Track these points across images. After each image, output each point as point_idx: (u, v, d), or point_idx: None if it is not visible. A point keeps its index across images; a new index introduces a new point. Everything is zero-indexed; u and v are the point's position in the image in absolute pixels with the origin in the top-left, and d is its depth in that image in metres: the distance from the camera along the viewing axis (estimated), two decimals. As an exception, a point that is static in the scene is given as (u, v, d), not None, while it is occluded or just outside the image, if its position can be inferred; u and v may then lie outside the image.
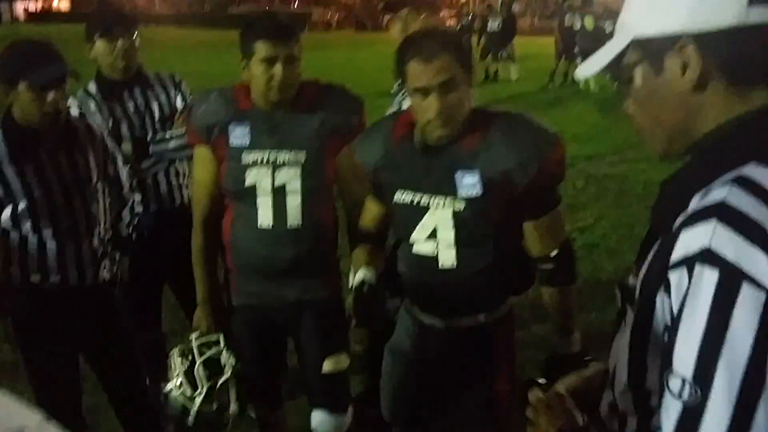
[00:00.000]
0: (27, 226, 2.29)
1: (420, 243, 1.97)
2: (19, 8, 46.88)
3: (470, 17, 17.74)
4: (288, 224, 2.20)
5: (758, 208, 0.81)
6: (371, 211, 2.16)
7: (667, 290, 0.86)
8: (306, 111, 2.18)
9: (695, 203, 0.88)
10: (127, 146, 2.75)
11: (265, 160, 2.16)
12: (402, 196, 1.97)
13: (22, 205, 2.25)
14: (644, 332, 0.93)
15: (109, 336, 2.52)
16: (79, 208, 2.37)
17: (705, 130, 0.94)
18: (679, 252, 0.85)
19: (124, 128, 2.78)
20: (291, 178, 2.17)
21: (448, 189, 1.89)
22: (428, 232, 1.94)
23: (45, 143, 2.29)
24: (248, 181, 2.18)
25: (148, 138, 2.80)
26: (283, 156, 2.16)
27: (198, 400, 2.27)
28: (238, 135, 2.16)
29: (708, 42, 0.90)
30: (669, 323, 0.87)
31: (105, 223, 2.49)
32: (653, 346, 0.92)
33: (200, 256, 2.37)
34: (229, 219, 2.28)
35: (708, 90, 0.92)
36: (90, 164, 2.40)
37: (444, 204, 1.90)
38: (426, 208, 1.93)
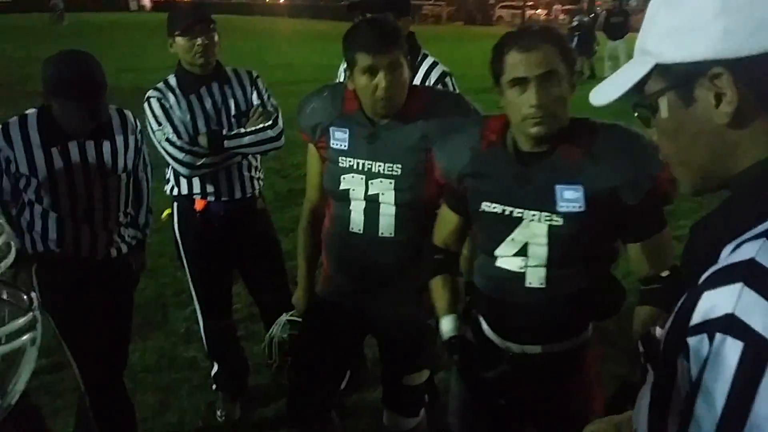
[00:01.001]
0: (47, 202, 2.44)
1: (506, 258, 1.83)
2: (146, -3, 49.47)
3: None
4: (379, 232, 2.15)
5: None
6: (449, 224, 2.02)
7: (686, 355, 0.76)
8: (411, 121, 2.08)
9: (725, 257, 0.77)
10: (203, 139, 2.83)
11: (359, 168, 2.12)
12: (491, 207, 1.82)
13: (44, 185, 2.41)
14: (664, 396, 0.82)
15: (112, 305, 2.66)
16: (99, 195, 2.50)
17: (741, 167, 0.83)
18: (699, 315, 0.74)
19: (201, 122, 2.86)
20: (384, 190, 2.11)
21: (546, 202, 1.74)
22: (518, 248, 1.80)
23: (74, 134, 2.43)
24: (343, 186, 2.15)
25: (224, 132, 2.86)
26: (378, 167, 2.10)
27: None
28: (338, 139, 2.14)
29: (744, 70, 0.79)
30: (688, 392, 0.77)
31: (123, 209, 2.61)
32: (673, 413, 0.82)
33: (305, 244, 2.41)
34: (328, 216, 2.28)
35: (745, 125, 0.81)
36: (116, 156, 2.52)
37: (539, 218, 1.75)
38: (518, 221, 1.78)
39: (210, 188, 2.92)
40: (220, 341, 3.22)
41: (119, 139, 2.53)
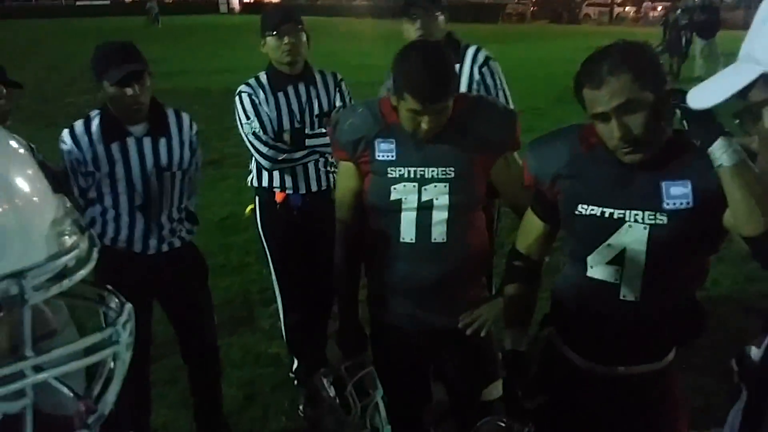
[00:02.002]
0: (108, 200, 2.58)
1: (599, 267, 1.74)
2: (236, 0, 50.93)
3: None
4: (432, 239, 2.11)
5: None
6: (534, 229, 1.95)
7: None
8: (454, 126, 2.05)
9: None
10: (286, 136, 2.95)
11: (411, 176, 2.09)
12: (587, 209, 1.74)
13: (105, 181, 2.55)
14: (758, 418, 0.76)
15: (178, 295, 2.80)
16: (155, 191, 2.61)
17: None
18: None
19: (286, 119, 2.97)
20: (438, 194, 2.08)
21: (650, 202, 1.67)
22: (613, 255, 1.72)
23: (133, 129, 2.57)
24: (393, 196, 2.11)
25: (306, 131, 2.97)
26: (431, 172, 2.08)
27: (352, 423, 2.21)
28: (384, 150, 2.10)
29: None
30: None
31: (178, 205, 2.71)
32: None
33: (344, 271, 2.30)
34: (372, 233, 2.21)
35: None
36: (172, 152, 2.64)
37: (642, 218, 1.68)
38: (615, 224, 1.70)
39: (289, 182, 3.06)
40: (299, 336, 3.27)
41: (175, 137, 2.65)
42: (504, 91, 3.04)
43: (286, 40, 2.89)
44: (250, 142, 2.95)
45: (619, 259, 1.71)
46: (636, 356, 1.79)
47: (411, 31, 2.90)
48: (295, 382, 3.35)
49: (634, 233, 1.69)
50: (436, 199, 2.08)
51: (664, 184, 1.65)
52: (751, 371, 0.81)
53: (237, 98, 2.98)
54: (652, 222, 1.67)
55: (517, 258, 1.99)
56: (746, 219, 1.50)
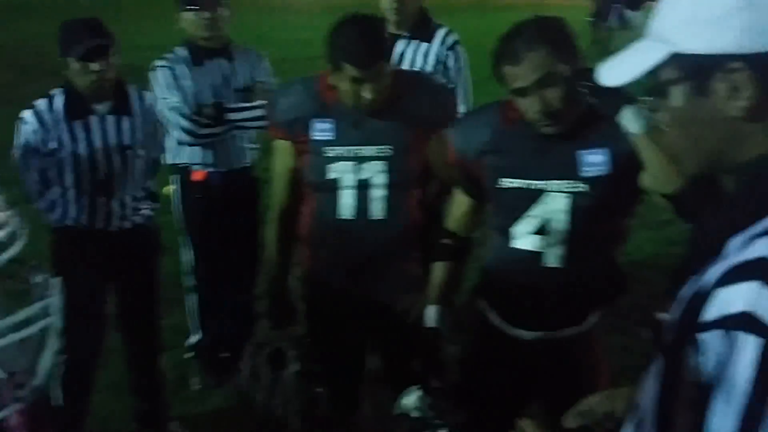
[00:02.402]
0: (70, 179, 2.54)
1: (523, 237, 1.81)
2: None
3: None
4: (369, 216, 2.13)
5: None
6: (461, 206, 2.01)
7: (699, 351, 0.76)
8: (392, 103, 2.07)
9: (733, 250, 0.76)
10: (207, 110, 2.89)
11: (349, 155, 2.10)
12: (510, 182, 1.81)
13: (67, 159, 2.51)
14: (673, 386, 0.80)
15: (133, 273, 2.77)
16: (118, 168, 2.59)
17: (748, 158, 0.81)
18: (714, 312, 0.74)
19: (206, 94, 2.92)
20: (375, 172, 2.11)
21: (569, 171, 1.74)
22: (537, 224, 1.79)
23: (96, 108, 2.54)
24: (331, 175, 2.12)
25: (227, 106, 2.92)
26: (368, 151, 2.10)
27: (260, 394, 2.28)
28: (322, 129, 2.10)
29: (764, 66, 0.77)
30: (704, 387, 0.76)
31: (141, 183, 2.69)
32: (683, 405, 0.81)
33: (276, 248, 2.33)
34: (308, 211, 2.23)
35: (759, 118, 0.80)
36: (135, 131, 2.61)
37: (561, 188, 1.75)
38: (537, 195, 1.78)
39: (209, 158, 3.02)
40: (213, 312, 3.27)
41: (138, 116, 2.60)
42: (465, 77, 3.06)
43: (206, 14, 2.81)
44: (168, 116, 2.87)
45: (541, 228, 1.77)
46: (560, 320, 1.86)
47: (385, 2, 2.88)
48: (192, 354, 3.34)
49: (555, 202, 1.75)
50: (374, 177, 2.09)
51: (580, 153, 1.71)
52: (661, 338, 0.85)
53: (153, 73, 2.90)
54: (572, 190, 1.73)
55: (447, 236, 2.04)
56: (662, 180, 1.58)
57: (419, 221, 2.22)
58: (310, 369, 2.31)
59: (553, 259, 1.79)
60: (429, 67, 2.96)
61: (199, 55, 2.93)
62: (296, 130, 2.13)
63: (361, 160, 2.10)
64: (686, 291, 0.81)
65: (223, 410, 3.15)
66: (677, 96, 0.86)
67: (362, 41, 1.97)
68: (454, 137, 1.94)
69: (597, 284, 1.82)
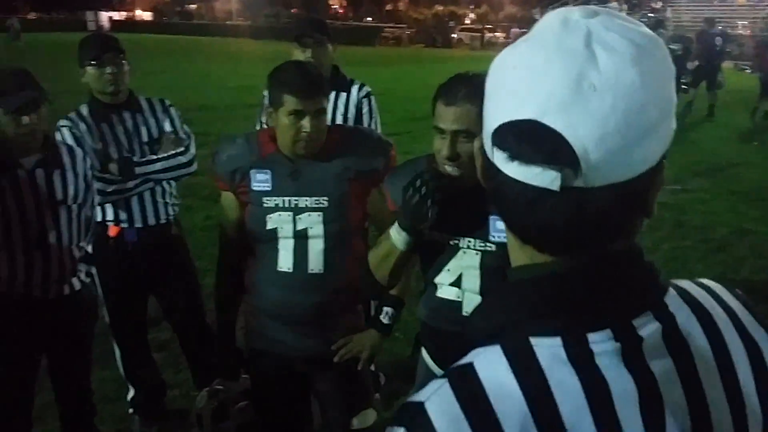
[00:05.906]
0: (0, 238, 2.40)
1: (444, 287, 1.91)
2: (105, 17, 49.01)
3: None
4: (309, 269, 2.17)
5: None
6: (390, 255, 2.01)
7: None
8: (329, 156, 2.14)
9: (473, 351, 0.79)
10: (113, 167, 2.84)
11: (286, 206, 2.15)
12: (432, 236, 1.88)
13: None
14: None
15: (68, 342, 2.67)
16: (51, 225, 2.48)
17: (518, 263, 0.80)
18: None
19: (113, 149, 2.88)
20: (313, 223, 2.15)
21: (480, 231, 1.84)
22: (455, 276, 1.89)
23: (24, 161, 2.44)
24: (269, 225, 2.16)
25: (135, 159, 2.89)
26: (305, 202, 2.15)
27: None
28: (260, 180, 2.16)
29: None
30: None
31: (76, 243, 2.59)
32: None
33: (224, 300, 2.36)
34: (252, 262, 2.26)
35: None
36: (67, 185, 2.52)
37: (474, 245, 1.85)
38: (454, 249, 1.88)
39: (123, 215, 2.95)
40: (136, 365, 3.24)
41: (69, 170, 2.54)
42: (376, 121, 3.28)
43: (108, 69, 2.82)
44: None
45: (458, 280, 1.89)
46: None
47: (301, 58, 2.96)
48: (131, 410, 3.28)
49: (468, 258, 1.86)
50: (311, 228, 2.15)
51: (491, 219, 1.82)
52: None
53: (57, 134, 2.82)
54: (482, 249, 1.84)
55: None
56: None
57: (358, 275, 2.22)
58: (253, 422, 2.38)
59: (471, 308, 1.86)
60: (349, 113, 3.20)
61: (102, 112, 2.90)
62: (237, 181, 2.18)
63: (297, 210, 2.14)
64: None
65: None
66: None
67: (302, 75, 2.07)
68: (390, 187, 2.01)
69: None
